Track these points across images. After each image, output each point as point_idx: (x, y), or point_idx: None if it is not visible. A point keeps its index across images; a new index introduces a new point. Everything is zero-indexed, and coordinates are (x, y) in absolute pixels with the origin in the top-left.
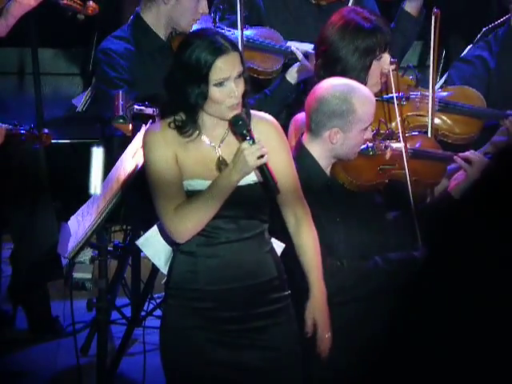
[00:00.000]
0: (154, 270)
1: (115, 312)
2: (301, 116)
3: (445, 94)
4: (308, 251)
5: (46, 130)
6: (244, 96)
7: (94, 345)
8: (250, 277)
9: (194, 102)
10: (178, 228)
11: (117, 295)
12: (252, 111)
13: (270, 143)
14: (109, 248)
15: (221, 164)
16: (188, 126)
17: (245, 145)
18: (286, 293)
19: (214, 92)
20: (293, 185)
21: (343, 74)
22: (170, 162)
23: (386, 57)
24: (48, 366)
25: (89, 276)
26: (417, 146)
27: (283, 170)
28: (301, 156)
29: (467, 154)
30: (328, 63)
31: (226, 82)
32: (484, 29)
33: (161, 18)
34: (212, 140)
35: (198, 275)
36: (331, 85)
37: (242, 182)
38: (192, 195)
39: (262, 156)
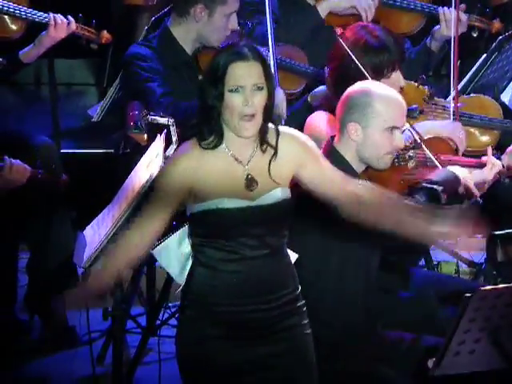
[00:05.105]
0: (169, 279)
1: (130, 321)
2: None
3: (459, 104)
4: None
5: (64, 176)
6: (267, 112)
7: (110, 354)
8: (269, 291)
9: (211, 104)
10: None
11: (132, 304)
12: (280, 127)
13: (305, 157)
14: None
15: (249, 182)
16: (208, 135)
17: None
18: (301, 303)
19: (228, 97)
20: (343, 180)
21: None
22: (171, 194)
23: (397, 75)
24: (64, 375)
25: None
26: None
27: (330, 173)
28: (333, 158)
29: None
30: (338, 79)
31: (240, 89)
32: (500, 37)
33: (190, 33)
34: (239, 157)
35: (217, 289)
36: (358, 84)
37: (269, 201)
38: (219, 213)
39: None
